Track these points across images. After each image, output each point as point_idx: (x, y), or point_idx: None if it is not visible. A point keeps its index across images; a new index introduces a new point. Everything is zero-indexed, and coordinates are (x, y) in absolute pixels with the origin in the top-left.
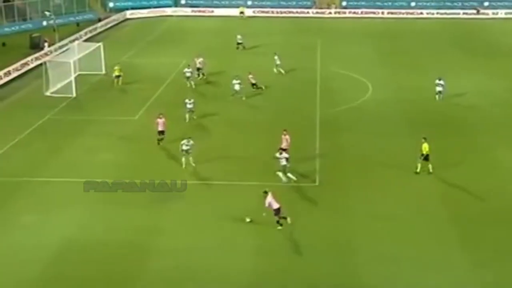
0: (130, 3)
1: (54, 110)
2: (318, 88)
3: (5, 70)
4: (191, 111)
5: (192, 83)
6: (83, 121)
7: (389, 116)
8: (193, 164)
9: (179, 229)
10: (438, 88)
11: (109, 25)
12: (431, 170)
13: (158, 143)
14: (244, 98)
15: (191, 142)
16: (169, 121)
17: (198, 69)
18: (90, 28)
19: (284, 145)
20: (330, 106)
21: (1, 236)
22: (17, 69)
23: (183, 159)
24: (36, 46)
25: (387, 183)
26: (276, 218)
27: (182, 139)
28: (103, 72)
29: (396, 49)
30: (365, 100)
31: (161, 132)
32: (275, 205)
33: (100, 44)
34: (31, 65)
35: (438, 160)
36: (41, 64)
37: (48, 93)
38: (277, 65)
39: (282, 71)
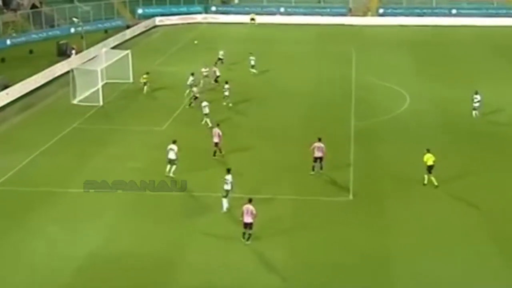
0: (159, 10)
1: (81, 119)
2: (353, 98)
3: (33, 77)
4: (206, 115)
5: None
6: (109, 131)
7: (427, 128)
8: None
9: (207, 243)
10: (475, 104)
11: (137, 32)
12: (436, 183)
13: (214, 155)
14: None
15: (174, 147)
16: (196, 130)
17: (217, 77)
18: (118, 35)
19: (318, 154)
20: (365, 116)
21: (27, 246)
22: (44, 77)
23: (168, 167)
24: (63, 53)
25: (423, 196)
26: (243, 230)
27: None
28: (131, 80)
29: (436, 58)
30: (403, 111)
31: (216, 144)
32: (247, 219)
33: (128, 51)
34: (58, 73)
35: (478, 176)
36: (68, 72)
37: (75, 101)
38: (252, 66)
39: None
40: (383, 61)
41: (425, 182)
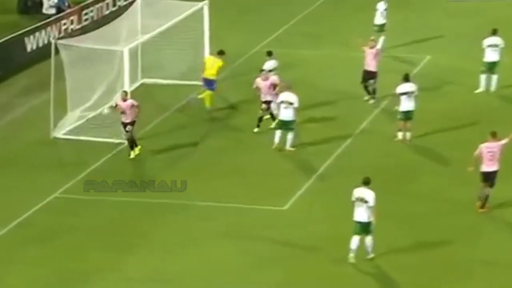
0: None
1: (73, 178)
2: None
3: None
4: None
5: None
6: (149, 207)
7: None
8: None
9: None
10: None
11: None
12: None
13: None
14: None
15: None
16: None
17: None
18: None
19: None
20: None
21: None
22: None
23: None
24: (30, 6)
25: None
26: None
27: None
28: (215, 83)
29: None
30: None
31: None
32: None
33: (204, 3)
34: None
35: None
36: (46, 50)
37: (59, 134)
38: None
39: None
40: None
41: None
